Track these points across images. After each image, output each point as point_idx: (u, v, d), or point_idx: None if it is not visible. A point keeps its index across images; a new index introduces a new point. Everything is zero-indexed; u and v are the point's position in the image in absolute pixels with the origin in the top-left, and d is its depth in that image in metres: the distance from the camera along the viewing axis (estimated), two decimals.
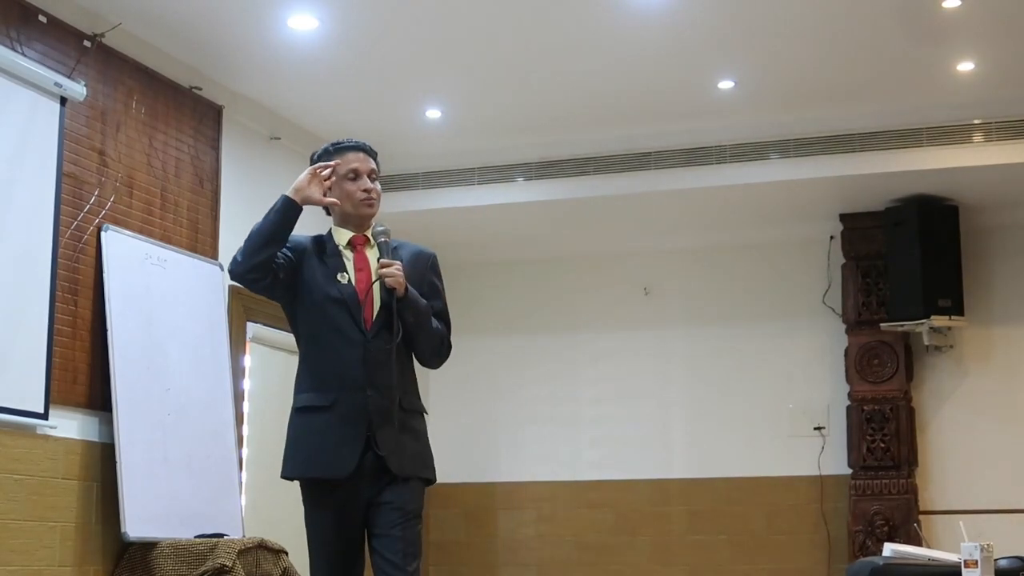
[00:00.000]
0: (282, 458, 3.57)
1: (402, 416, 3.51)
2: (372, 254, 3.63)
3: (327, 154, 3.65)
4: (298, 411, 3.55)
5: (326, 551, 3.52)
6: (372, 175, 3.64)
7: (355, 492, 3.46)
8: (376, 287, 3.55)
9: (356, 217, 3.64)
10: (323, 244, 3.64)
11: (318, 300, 3.54)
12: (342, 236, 3.66)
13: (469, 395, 8.12)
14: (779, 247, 7.81)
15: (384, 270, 3.52)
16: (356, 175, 3.63)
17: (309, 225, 3.68)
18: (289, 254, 3.55)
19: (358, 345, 3.51)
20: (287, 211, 3.48)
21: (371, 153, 3.68)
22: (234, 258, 3.48)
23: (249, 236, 3.47)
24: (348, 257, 3.63)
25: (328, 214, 3.69)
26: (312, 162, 3.64)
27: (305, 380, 3.55)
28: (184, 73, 5.89)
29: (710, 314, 7.89)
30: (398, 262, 3.56)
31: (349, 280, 3.59)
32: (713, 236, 7.88)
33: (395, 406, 3.49)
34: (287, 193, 3.49)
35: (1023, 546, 5.20)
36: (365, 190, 3.63)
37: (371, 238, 3.67)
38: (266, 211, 3.50)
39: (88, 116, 5.25)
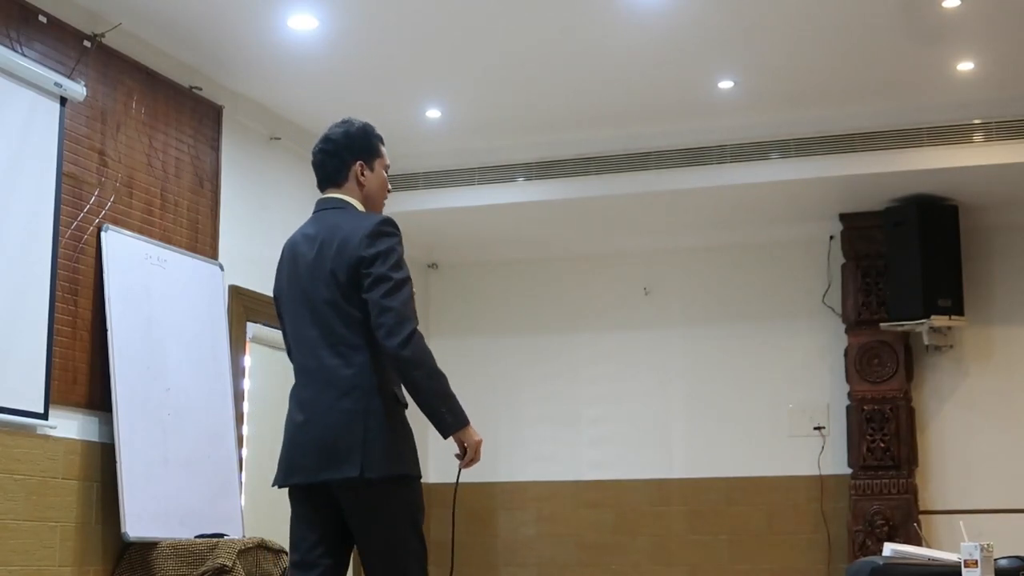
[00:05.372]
0: (397, 453, 3.53)
1: None
2: None
3: (378, 140, 3.85)
4: (399, 403, 3.61)
5: None
6: None
7: None
8: None
9: (380, 208, 3.80)
10: None
11: None
12: None
13: (469, 395, 8.05)
14: (779, 247, 7.81)
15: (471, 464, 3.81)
16: (388, 169, 3.85)
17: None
18: None
19: None
20: (449, 416, 3.73)
21: None
22: (420, 343, 3.51)
23: (436, 375, 3.62)
24: None
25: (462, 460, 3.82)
26: (370, 136, 3.83)
27: (389, 373, 3.53)
28: (184, 73, 5.89)
29: (710, 314, 7.89)
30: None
31: None
32: (713, 236, 7.87)
33: None
34: (470, 425, 3.82)
35: (1023, 546, 5.19)
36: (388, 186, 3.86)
37: None
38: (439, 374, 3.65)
39: (88, 116, 5.25)
